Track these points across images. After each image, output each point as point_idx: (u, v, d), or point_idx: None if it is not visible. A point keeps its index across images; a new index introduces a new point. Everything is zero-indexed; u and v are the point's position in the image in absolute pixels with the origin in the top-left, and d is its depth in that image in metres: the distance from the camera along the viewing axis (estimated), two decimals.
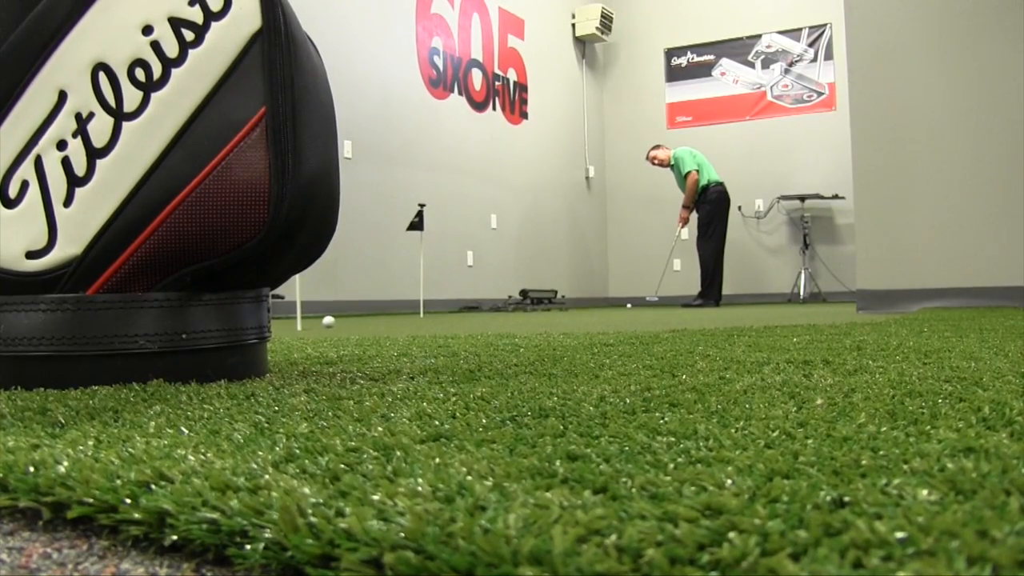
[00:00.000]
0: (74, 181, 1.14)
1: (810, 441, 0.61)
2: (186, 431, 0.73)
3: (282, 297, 4.98)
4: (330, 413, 0.82)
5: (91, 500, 0.50)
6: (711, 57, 9.78)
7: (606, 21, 9.81)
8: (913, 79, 4.43)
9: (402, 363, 1.47)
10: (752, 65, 9.61)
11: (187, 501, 0.47)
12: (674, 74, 9.98)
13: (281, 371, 1.37)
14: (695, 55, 9.86)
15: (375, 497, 0.46)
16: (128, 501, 0.49)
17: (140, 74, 1.15)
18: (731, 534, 0.37)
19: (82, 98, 1.14)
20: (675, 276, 9.37)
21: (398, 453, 0.60)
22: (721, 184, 7.65)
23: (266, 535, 0.42)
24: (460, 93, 7.93)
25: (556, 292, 8.10)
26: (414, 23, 7.33)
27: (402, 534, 0.39)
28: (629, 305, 9.06)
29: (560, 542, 0.37)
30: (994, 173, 4.24)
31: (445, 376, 1.20)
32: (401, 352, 1.76)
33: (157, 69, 1.15)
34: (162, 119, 1.14)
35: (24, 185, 1.15)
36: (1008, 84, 4.18)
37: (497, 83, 8.50)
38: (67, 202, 1.14)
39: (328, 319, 3.48)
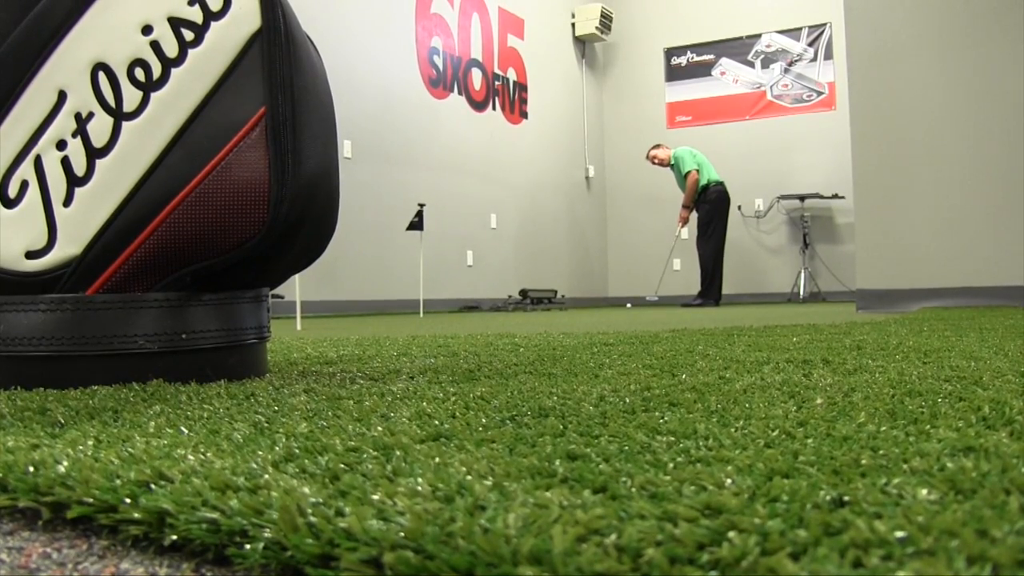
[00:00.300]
0: (74, 181, 1.14)
1: (810, 440, 0.61)
2: (186, 431, 0.73)
3: (282, 297, 4.98)
4: (330, 413, 0.82)
5: (91, 500, 0.50)
6: (711, 57, 9.77)
7: (606, 21, 9.81)
8: (913, 79, 4.43)
9: (402, 363, 1.47)
10: (752, 65, 9.61)
11: (187, 501, 0.47)
12: (674, 74, 9.98)
13: (281, 371, 1.37)
14: (695, 55, 9.86)
15: (375, 497, 0.46)
16: (128, 501, 0.49)
17: (140, 74, 1.15)
18: (731, 533, 0.37)
19: (82, 98, 1.14)
20: (675, 276, 9.37)
21: (398, 453, 0.60)
22: (721, 184, 7.65)
23: (266, 535, 0.42)
24: (460, 93, 7.93)
25: (556, 292, 8.09)
26: (414, 23, 7.33)
27: (402, 534, 0.39)
28: (629, 305, 9.06)
29: (560, 542, 0.37)
30: (993, 173, 4.24)
31: (445, 376, 1.20)
32: (401, 352, 1.76)
33: (157, 69, 1.15)
34: (162, 119, 1.14)
35: (24, 185, 1.15)
36: (1008, 84, 4.18)
37: (497, 83, 8.49)
38: (67, 202, 1.14)
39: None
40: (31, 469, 0.56)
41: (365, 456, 0.59)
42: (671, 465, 0.53)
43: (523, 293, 7.55)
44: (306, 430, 0.72)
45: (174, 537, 0.45)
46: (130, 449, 0.63)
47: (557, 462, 0.55)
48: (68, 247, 1.14)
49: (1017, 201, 4.14)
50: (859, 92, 4.60)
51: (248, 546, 0.42)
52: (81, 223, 1.14)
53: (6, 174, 1.15)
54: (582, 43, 9.99)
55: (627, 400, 0.86)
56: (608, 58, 10.32)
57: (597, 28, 9.69)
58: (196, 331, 1.18)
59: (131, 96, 1.15)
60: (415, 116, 7.27)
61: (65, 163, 1.14)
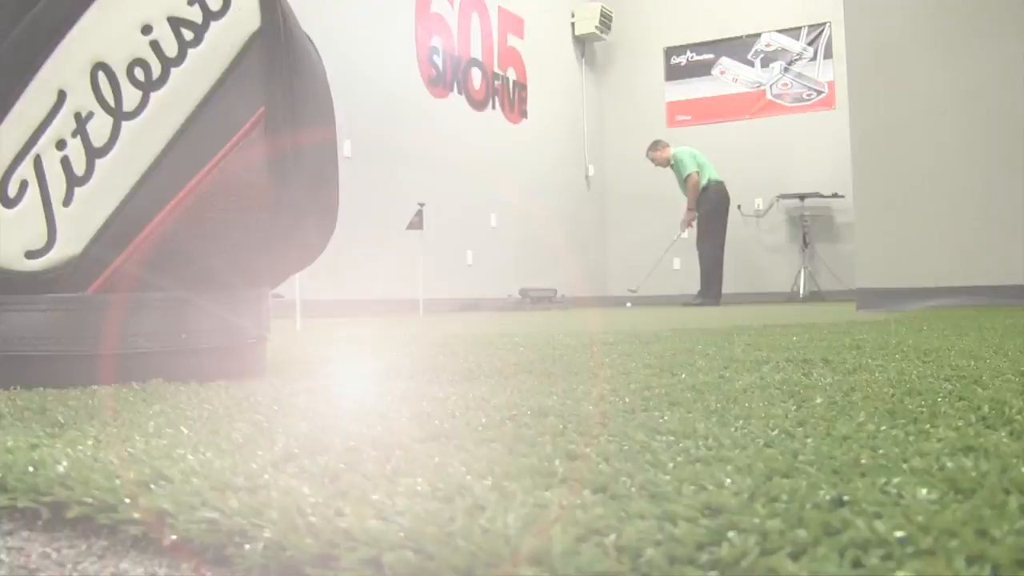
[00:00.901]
0: (73, 181, 1.14)
1: (809, 440, 0.61)
2: (185, 431, 0.73)
3: (282, 296, 4.98)
4: (330, 413, 0.82)
5: (90, 500, 0.50)
6: (710, 56, 9.77)
7: (605, 20, 9.80)
8: (913, 78, 4.43)
9: (402, 363, 1.47)
10: (751, 64, 9.60)
11: (186, 501, 0.47)
12: (673, 73, 9.97)
13: (281, 371, 1.37)
14: (694, 54, 9.85)
15: (374, 497, 0.46)
16: (127, 501, 0.49)
17: (139, 74, 1.15)
18: (730, 533, 0.37)
19: (81, 98, 1.14)
20: (675, 275, 9.36)
21: (397, 452, 0.60)
22: (721, 183, 7.65)
23: (265, 535, 0.42)
24: (459, 92, 7.93)
25: (556, 291, 8.09)
26: (413, 22, 7.32)
27: (401, 534, 0.39)
28: (629, 304, 9.05)
29: (559, 542, 0.37)
30: (994, 172, 4.23)
31: (444, 375, 1.19)
32: (401, 351, 1.76)
33: (156, 69, 1.15)
34: (161, 119, 1.14)
35: (23, 185, 1.15)
36: (1008, 84, 4.18)
37: (496, 82, 8.49)
38: (66, 202, 1.14)
39: None
40: (31, 469, 0.56)
41: (365, 456, 0.59)
42: (671, 465, 0.53)
43: (523, 292, 7.55)
44: (306, 430, 0.72)
45: (174, 537, 0.45)
46: (130, 449, 0.63)
47: (557, 462, 0.55)
48: (68, 247, 1.14)
49: (1017, 200, 4.14)
50: (859, 91, 4.60)
51: (248, 546, 0.42)
52: (81, 223, 1.14)
53: (6, 174, 1.15)
54: (582, 42, 9.99)
55: (627, 400, 0.86)
56: (608, 57, 10.31)
57: (597, 27, 9.69)
58: (196, 331, 1.18)
59: (131, 96, 1.15)
60: (415, 116, 7.26)
61: (65, 163, 1.14)
